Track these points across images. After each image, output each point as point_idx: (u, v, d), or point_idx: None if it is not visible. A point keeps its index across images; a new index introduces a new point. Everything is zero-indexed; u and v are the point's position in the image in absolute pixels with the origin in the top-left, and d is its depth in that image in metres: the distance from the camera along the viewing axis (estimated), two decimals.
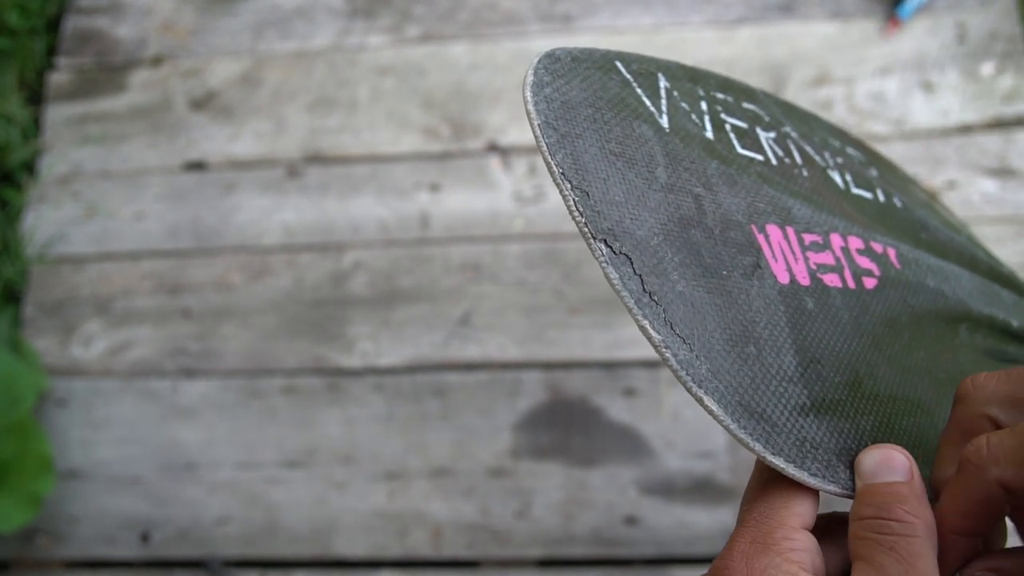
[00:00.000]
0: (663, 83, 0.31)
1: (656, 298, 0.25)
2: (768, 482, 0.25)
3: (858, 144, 0.43)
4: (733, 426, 0.24)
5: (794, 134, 0.36)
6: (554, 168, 0.25)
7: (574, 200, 0.25)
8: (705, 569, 0.87)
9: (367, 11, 1.11)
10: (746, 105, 0.34)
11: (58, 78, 1.12)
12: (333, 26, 1.11)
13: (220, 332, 0.98)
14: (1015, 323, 0.39)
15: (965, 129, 0.97)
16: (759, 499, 0.25)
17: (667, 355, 0.24)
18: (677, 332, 0.24)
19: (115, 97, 1.10)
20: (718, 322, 0.25)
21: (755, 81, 1.01)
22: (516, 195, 1.00)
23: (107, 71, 1.12)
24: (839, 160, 0.37)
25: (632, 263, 0.25)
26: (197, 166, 1.06)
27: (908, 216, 0.38)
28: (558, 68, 0.28)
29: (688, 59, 1.12)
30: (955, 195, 0.95)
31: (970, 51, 1.00)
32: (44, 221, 1.05)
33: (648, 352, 0.92)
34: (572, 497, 0.88)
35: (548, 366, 0.93)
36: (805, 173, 0.33)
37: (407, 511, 0.90)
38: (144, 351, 0.98)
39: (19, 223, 1.05)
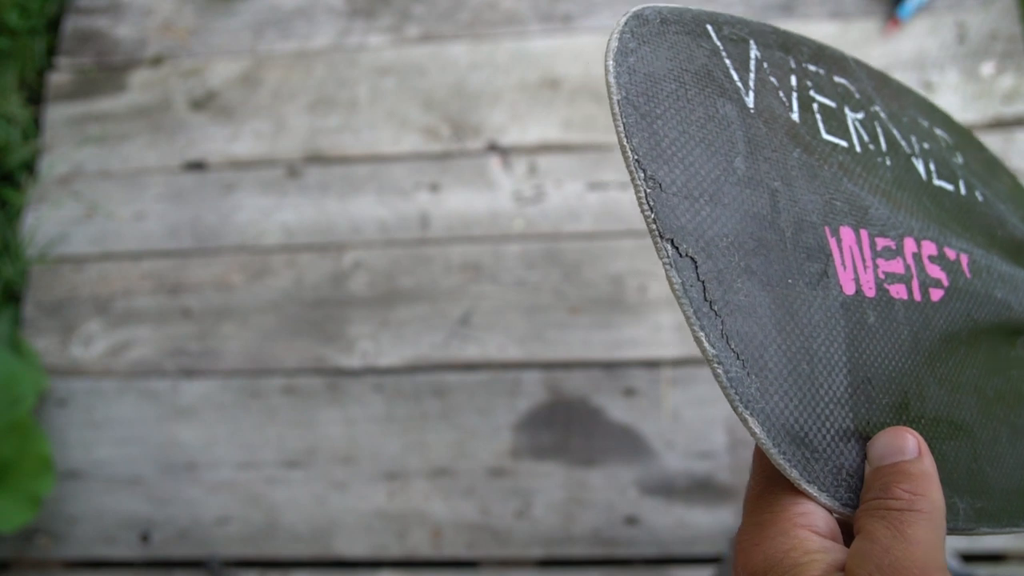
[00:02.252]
0: (754, 52, 0.29)
1: (716, 308, 0.23)
2: (773, 481, 0.25)
3: (946, 123, 0.41)
4: (774, 451, 0.23)
5: (883, 114, 0.34)
6: (629, 153, 0.24)
7: (646, 192, 0.24)
8: (705, 569, 0.88)
9: (367, 11, 1.11)
10: (837, 79, 0.33)
11: (58, 78, 1.12)
12: (333, 26, 1.11)
13: (220, 332, 0.98)
14: None
15: None
16: (766, 493, 0.25)
17: (718, 371, 0.23)
18: (732, 347, 0.23)
19: (115, 97, 1.10)
20: (775, 336, 0.24)
21: None
22: (516, 195, 1.00)
23: (107, 71, 1.12)
24: (925, 145, 0.36)
25: (697, 267, 0.24)
26: (197, 166, 1.06)
27: (987, 211, 0.37)
28: (645, 32, 0.26)
29: None
30: None
31: (970, 51, 1.00)
32: (44, 221, 1.05)
33: (648, 352, 0.92)
34: (572, 497, 0.88)
35: (548, 366, 0.93)
36: (888, 162, 0.32)
37: (407, 511, 0.90)
38: (144, 351, 0.98)
39: (19, 223, 1.05)
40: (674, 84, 0.26)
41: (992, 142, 0.96)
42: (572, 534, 0.87)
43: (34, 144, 1.09)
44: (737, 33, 0.29)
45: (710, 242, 0.24)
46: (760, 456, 0.26)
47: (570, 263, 0.96)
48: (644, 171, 0.24)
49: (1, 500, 0.87)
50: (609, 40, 0.25)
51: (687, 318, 0.23)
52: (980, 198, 0.37)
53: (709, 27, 0.28)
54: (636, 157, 0.24)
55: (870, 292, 0.27)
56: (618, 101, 0.24)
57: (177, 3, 1.15)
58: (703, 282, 0.23)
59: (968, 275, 0.32)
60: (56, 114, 1.10)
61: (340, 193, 1.02)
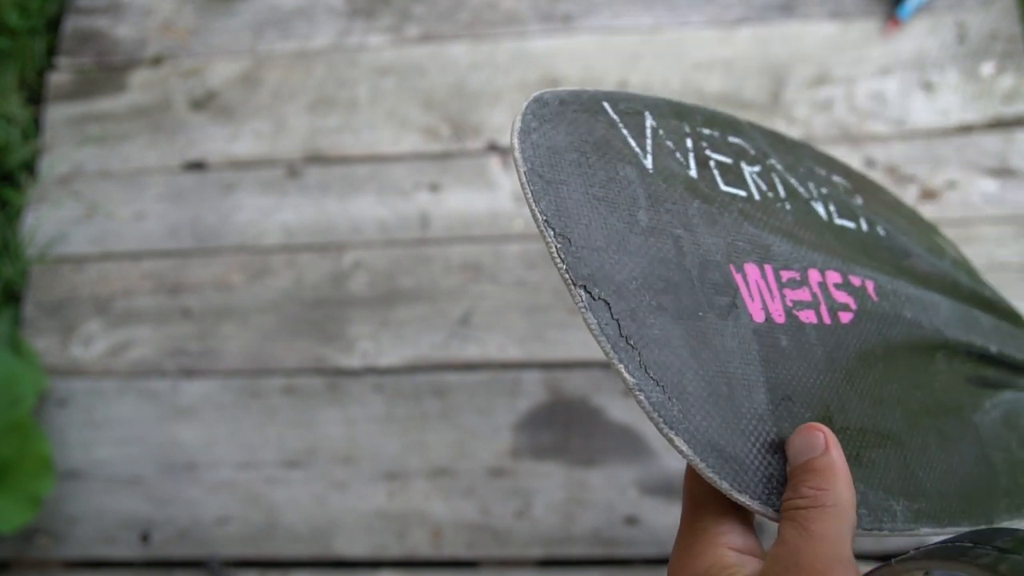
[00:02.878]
0: (649, 122, 0.32)
1: (632, 342, 0.26)
2: (701, 498, 0.27)
3: (844, 171, 0.43)
4: (702, 465, 0.25)
5: (779, 166, 0.36)
6: (538, 215, 0.26)
7: (556, 247, 0.26)
8: None
9: (367, 11, 1.11)
10: (732, 139, 0.35)
11: (58, 78, 1.12)
12: (333, 26, 1.11)
13: (220, 332, 0.98)
14: (993, 348, 0.39)
15: (965, 129, 0.97)
16: (693, 517, 0.27)
17: (640, 398, 0.25)
18: (651, 375, 0.25)
19: (115, 97, 1.10)
20: (691, 363, 0.26)
21: (755, 81, 1.01)
22: (516, 195, 1.00)
23: (107, 71, 1.12)
24: (824, 190, 0.38)
25: (610, 308, 0.26)
26: (197, 166, 1.06)
27: (890, 244, 0.39)
28: (545, 113, 0.29)
29: (688, 59, 1.12)
30: (955, 195, 0.95)
31: (970, 51, 1.00)
32: (44, 221, 1.05)
33: None
34: (572, 497, 0.88)
35: (548, 366, 0.93)
36: (788, 207, 0.34)
37: (407, 511, 0.90)
38: (144, 351, 0.98)
39: (19, 223, 1.05)
40: (575, 154, 0.28)
41: (992, 142, 0.96)
42: (572, 534, 0.87)
43: (34, 144, 1.09)
44: (632, 107, 0.32)
45: (620, 285, 0.26)
46: (688, 483, 0.27)
47: None
48: (553, 229, 0.26)
49: (1, 500, 0.87)
50: (513, 122, 0.28)
51: (605, 353, 0.26)
52: (882, 232, 0.39)
53: (605, 104, 0.31)
54: (545, 218, 0.26)
55: (780, 319, 0.29)
56: (524, 172, 0.27)
57: (177, 3, 1.15)
58: (617, 320, 0.26)
59: (875, 299, 0.34)
60: (56, 114, 1.10)
61: (340, 193, 1.02)
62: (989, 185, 0.95)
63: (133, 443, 0.95)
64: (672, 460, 0.89)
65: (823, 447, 0.25)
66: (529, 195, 0.26)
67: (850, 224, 0.37)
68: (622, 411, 0.90)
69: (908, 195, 0.95)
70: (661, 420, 0.25)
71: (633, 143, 0.30)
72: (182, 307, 0.99)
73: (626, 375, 0.25)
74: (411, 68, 1.07)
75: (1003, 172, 0.95)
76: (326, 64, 1.09)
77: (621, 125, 0.30)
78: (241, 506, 0.91)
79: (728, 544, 0.25)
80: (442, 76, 1.06)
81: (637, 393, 0.25)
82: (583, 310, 0.25)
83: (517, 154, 0.27)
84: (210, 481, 0.93)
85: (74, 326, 1.00)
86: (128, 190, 1.05)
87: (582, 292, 0.25)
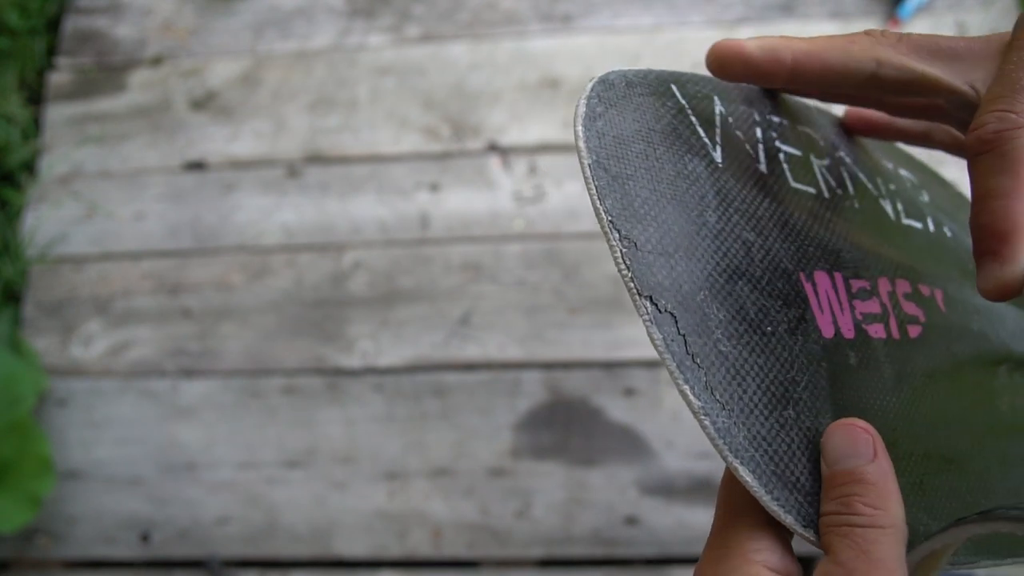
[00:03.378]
0: (718, 108, 0.30)
1: (699, 360, 0.24)
2: (740, 509, 0.25)
3: (910, 163, 0.42)
4: (767, 499, 0.23)
5: (848, 159, 0.34)
6: (603, 215, 0.24)
7: (621, 252, 0.24)
8: None
9: (367, 11, 1.11)
10: (801, 128, 0.33)
11: (58, 78, 1.12)
12: (333, 26, 1.11)
13: (220, 332, 0.98)
14: None
15: None
16: (727, 527, 0.25)
17: (705, 423, 0.23)
18: (717, 397, 0.24)
19: (115, 97, 1.10)
20: (759, 384, 0.24)
21: None
22: (516, 195, 1.00)
23: (107, 71, 1.12)
24: (891, 186, 0.36)
25: (677, 322, 0.24)
26: (197, 166, 1.06)
27: (956, 245, 0.37)
28: (611, 96, 0.27)
29: (688, 59, 1.11)
30: None
31: None
32: (44, 221, 1.05)
33: (648, 352, 0.92)
34: (572, 497, 0.88)
35: (548, 366, 0.93)
36: (857, 205, 0.32)
37: (407, 511, 0.90)
38: (144, 351, 0.98)
39: (19, 223, 1.05)
40: (642, 144, 0.26)
41: None
42: (572, 534, 0.87)
43: (34, 144, 1.09)
44: (701, 91, 0.30)
45: (687, 296, 0.24)
46: (726, 491, 0.26)
47: (570, 263, 0.96)
48: (619, 231, 0.24)
49: (1, 500, 0.87)
50: (577, 106, 0.26)
51: (670, 372, 0.24)
52: (949, 233, 0.38)
53: (673, 86, 0.29)
54: (610, 218, 0.24)
55: (849, 334, 0.28)
56: (589, 165, 0.25)
57: (177, 3, 1.15)
58: (684, 336, 0.24)
59: (944, 310, 0.32)
60: (56, 114, 1.10)
61: (340, 193, 1.02)
62: None
63: (133, 443, 0.95)
64: (672, 460, 0.89)
65: (871, 454, 0.23)
66: (593, 191, 0.24)
67: (917, 224, 0.36)
68: (622, 411, 0.90)
69: None
70: (727, 448, 0.23)
71: (702, 132, 0.28)
72: (182, 307, 0.99)
73: (692, 398, 0.23)
74: (411, 68, 1.07)
75: None
76: (326, 64, 1.09)
77: (690, 111, 0.28)
78: (241, 506, 0.91)
79: (765, 563, 0.24)
80: (442, 76, 1.06)
81: (702, 418, 0.23)
82: (647, 323, 0.23)
83: (581, 143, 0.25)
84: (210, 481, 0.93)
85: (74, 326, 1.00)
86: (128, 190, 1.05)
87: (648, 303, 0.23)
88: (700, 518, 0.87)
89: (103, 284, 1.02)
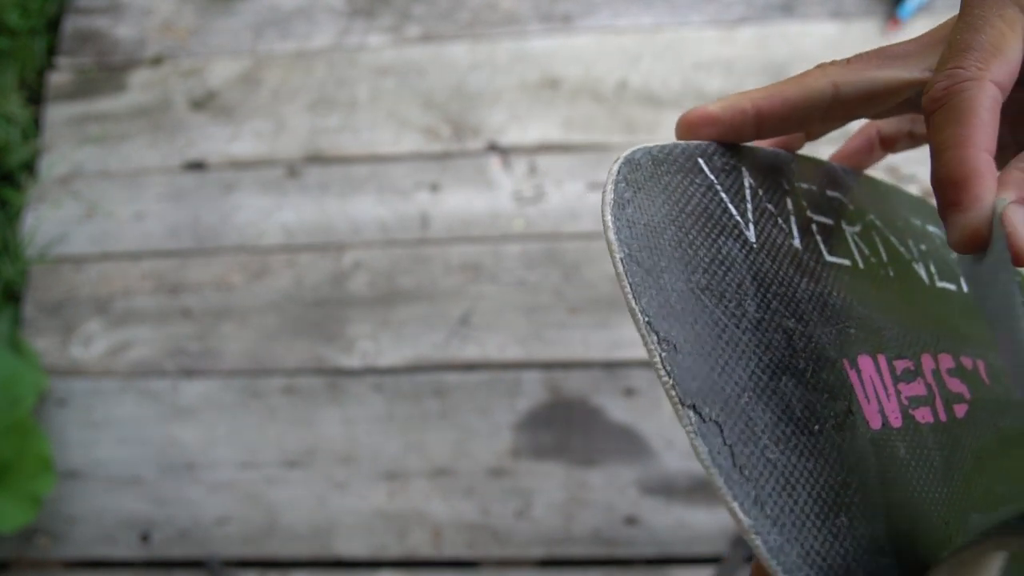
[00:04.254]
0: (747, 180, 0.28)
1: (746, 472, 0.22)
2: None
3: (936, 216, 0.40)
4: None
5: (878, 222, 0.33)
6: (639, 316, 0.22)
7: (661, 356, 0.22)
8: (705, 569, 0.88)
9: (367, 11, 1.11)
10: (830, 193, 0.31)
11: (58, 78, 1.12)
12: (333, 26, 1.11)
13: (220, 332, 0.98)
14: None
15: None
16: None
17: (756, 542, 0.21)
18: (768, 512, 0.22)
19: (115, 97, 1.10)
20: (809, 492, 0.22)
21: (755, 81, 1.01)
22: (516, 195, 1.00)
23: (107, 71, 1.12)
24: (923, 247, 0.34)
25: (723, 431, 0.22)
26: (197, 166, 1.06)
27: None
28: (639, 178, 0.25)
29: (689, 59, 1.11)
30: None
31: None
32: (44, 221, 1.05)
33: None
34: (572, 497, 0.88)
35: (548, 366, 0.93)
36: (892, 273, 0.31)
37: (407, 511, 0.90)
38: (144, 351, 0.98)
39: (19, 223, 1.05)
40: (674, 229, 0.25)
41: None
42: (572, 534, 0.87)
43: (34, 144, 1.09)
44: (728, 162, 0.28)
45: (731, 399, 0.22)
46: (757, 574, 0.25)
47: (570, 263, 0.96)
48: (657, 333, 0.22)
49: (1, 500, 0.87)
50: (604, 191, 0.24)
51: (717, 488, 0.21)
52: None
53: (700, 160, 0.27)
54: (647, 319, 0.22)
55: (896, 422, 0.26)
56: (621, 259, 0.23)
57: (177, 3, 1.15)
58: (731, 447, 0.22)
59: (987, 382, 0.31)
60: (56, 114, 1.10)
61: (340, 193, 1.02)
62: None
63: (133, 443, 0.95)
64: (672, 460, 0.89)
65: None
66: (628, 289, 0.22)
67: (952, 287, 0.34)
68: (622, 411, 0.90)
69: None
70: (780, 568, 0.21)
71: (734, 210, 0.26)
72: (182, 307, 0.99)
73: (741, 515, 0.21)
74: (411, 68, 1.07)
75: None
76: (326, 64, 1.09)
77: (719, 187, 0.27)
78: (241, 506, 0.91)
79: None
80: (442, 76, 1.06)
81: (753, 536, 0.21)
82: (691, 435, 0.22)
83: (612, 235, 0.23)
84: (210, 481, 0.93)
85: (74, 326, 1.00)
86: (128, 190, 1.05)
87: (691, 413, 0.22)
88: (700, 518, 0.87)
89: (103, 284, 1.01)
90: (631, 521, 0.87)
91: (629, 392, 0.91)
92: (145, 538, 0.92)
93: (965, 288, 0.36)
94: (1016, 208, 0.22)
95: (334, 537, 0.90)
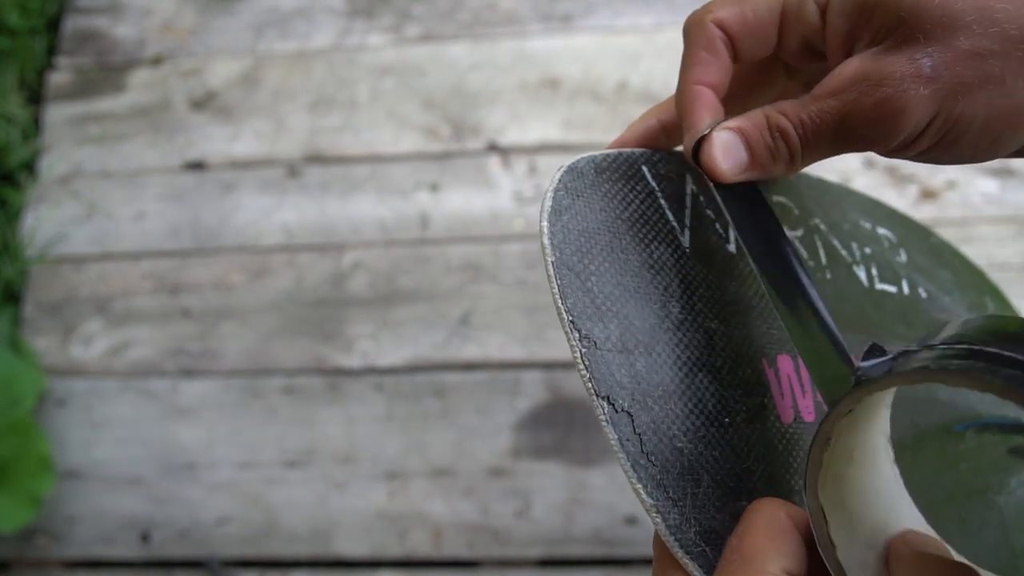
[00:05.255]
0: (690, 187, 0.29)
1: (653, 459, 0.24)
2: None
3: (890, 218, 0.41)
4: None
5: (823, 226, 0.34)
6: (564, 315, 0.24)
7: (581, 352, 0.24)
8: None
9: (367, 11, 1.11)
10: (776, 198, 0.32)
11: (58, 78, 1.12)
12: (333, 26, 1.11)
13: (220, 332, 0.98)
14: None
15: None
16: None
17: (656, 520, 0.23)
18: (670, 494, 0.23)
19: (115, 97, 1.10)
20: (713, 477, 0.24)
21: None
22: (516, 195, 1.00)
23: (107, 71, 1.12)
24: (867, 250, 0.36)
25: (633, 421, 0.24)
26: (197, 166, 1.06)
27: (931, 307, 0.37)
28: (579, 186, 0.26)
29: None
30: (955, 195, 0.95)
31: None
32: (44, 221, 1.05)
33: None
34: (572, 497, 0.88)
35: (548, 366, 0.93)
36: (829, 276, 0.32)
37: (407, 511, 0.90)
38: (144, 351, 0.98)
39: (19, 223, 1.05)
40: (609, 235, 0.26)
41: None
42: (572, 534, 0.87)
43: (34, 144, 1.09)
44: (673, 170, 0.29)
45: (646, 394, 0.24)
46: (659, 548, 0.26)
47: None
48: (579, 331, 0.24)
49: (1, 500, 0.87)
50: (543, 199, 0.26)
51: (624, 471, 0.23)
52: (924, 294, 0.38)
53: (644, 168, 0.28)
54: (571, 318, 0.24)
55: (809, 417, 0.27)
56: (552, 263, 0.24)
57: (177, 3, 1.15)
58: (640, 435, 0.24)
59: None
60: (56, 114, 1.10)
61: (340, 193, 1.02)
62: (989, 185, 0.95)
63: (133, 443, 0.95)
64: None
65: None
66: (556, 291, 0.24)
67: (891, 288, 0.35)
68: None
69: (908, 195, 0.95)
70: (677, 545, 0.23)
71: (671, 216, 0.28)
72: (182, 307, 0.99)
73: (644, 496, 0.23)
74: (411, 68, 1.07)
75: (1003, 172, 0.95)
76: (326, 64, 1.09)
77: (659, 194, 0.28)
78: (241, 506, 0.91)
79: None
80: (442, 76, 1.06)
81: (654, 515, 0.23)
82: (604, 423, 0.23)
83: (546, 239, 0.25)
84: (210, 481, 0.93)
85: (74, 326, 1.00)
86: (128, 190, 1.05)
87: (604, 404, 0.23)
88: None
89: (103, 284, 1.01)
90: (631, 521, 0.87)
91: (646, 513, 0.91)
92: (145, 538, 0.92)
93: (907, 290, 0.37)
94: (717, 133, 0.25)
95: (334, 537, 0.90)
